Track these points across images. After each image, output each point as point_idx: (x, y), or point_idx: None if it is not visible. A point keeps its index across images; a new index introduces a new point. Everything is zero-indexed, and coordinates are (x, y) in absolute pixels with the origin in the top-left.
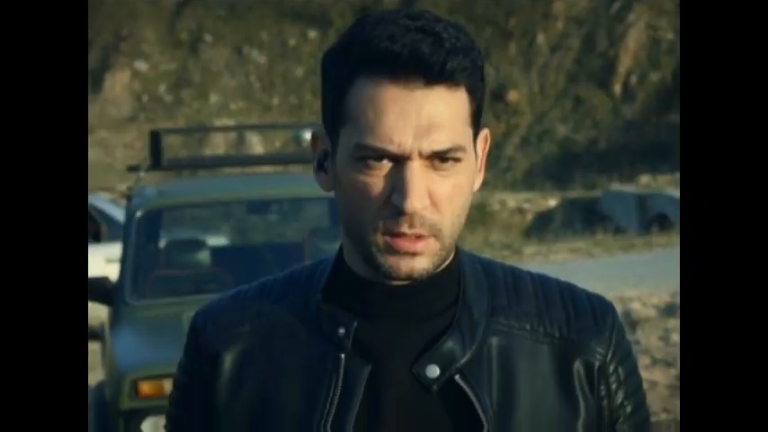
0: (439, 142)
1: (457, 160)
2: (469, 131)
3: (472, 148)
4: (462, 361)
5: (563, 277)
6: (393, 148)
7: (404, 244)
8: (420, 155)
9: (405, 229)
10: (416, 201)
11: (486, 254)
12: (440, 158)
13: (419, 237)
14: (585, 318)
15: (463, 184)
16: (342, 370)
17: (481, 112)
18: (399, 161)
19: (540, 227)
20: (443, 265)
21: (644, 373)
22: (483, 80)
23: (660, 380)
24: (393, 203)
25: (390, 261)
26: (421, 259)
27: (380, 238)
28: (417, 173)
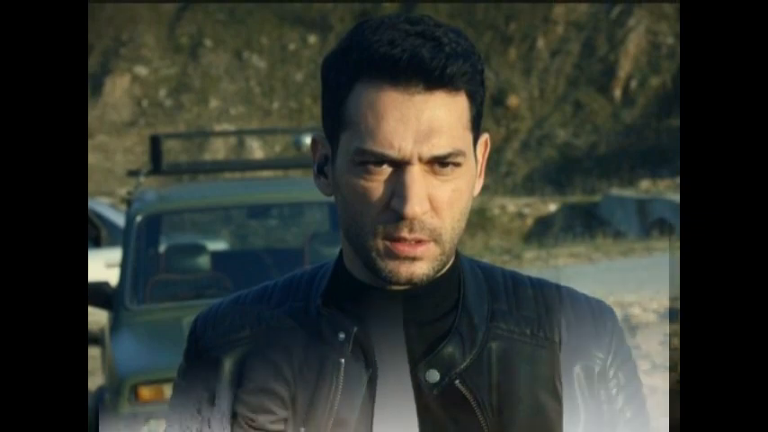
0: (439, 147)
1: (457, 165)
2: (469, 136)
3: (472, 152)
4: (462, 366)
5: (563, 282)
6: (393, 153)
7: (404, 249)
8: (420, 160)
9: (405, 233)
10: (417, 205)
11: (486, 258)
12: (440, 163)
13: (419, 241)
14: (585, 322)
15: (463, 188)
16: (342, 375)
17: (481, 116)
18: (399, 166)
19: (540, 231)
20: (443, 270)
21: (644, 378)
22: (483, 85)
23: (660, 385)
24: (393, 208)
25: (390, 266)
26: (421, 264)
27: (380, 243)
28: (417, 178)
